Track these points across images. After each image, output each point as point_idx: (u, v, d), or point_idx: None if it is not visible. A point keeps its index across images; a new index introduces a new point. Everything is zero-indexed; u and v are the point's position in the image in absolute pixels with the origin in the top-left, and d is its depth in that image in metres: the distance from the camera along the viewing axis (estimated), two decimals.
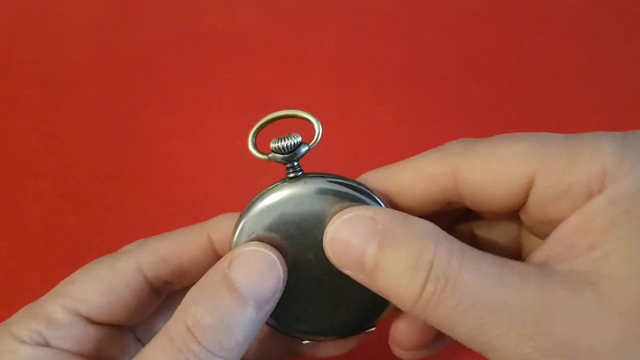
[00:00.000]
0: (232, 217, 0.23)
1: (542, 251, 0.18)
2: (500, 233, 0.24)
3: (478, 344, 0.17)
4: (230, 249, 0.21)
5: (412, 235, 0.18)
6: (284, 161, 0.21)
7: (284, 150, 0.21)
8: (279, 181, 0.22)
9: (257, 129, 0.21)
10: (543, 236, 0.20)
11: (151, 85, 0.49)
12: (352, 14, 0.53)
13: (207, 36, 0.52)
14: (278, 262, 0.20)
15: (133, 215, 0.41)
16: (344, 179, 0.21)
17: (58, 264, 0.39)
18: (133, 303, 0.23)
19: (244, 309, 0.19)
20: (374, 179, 0.22)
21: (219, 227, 0.23)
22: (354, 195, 0.21)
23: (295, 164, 0.21)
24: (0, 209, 0.42)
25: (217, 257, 0.23)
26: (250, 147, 0.21)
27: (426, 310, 0.17)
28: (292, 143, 0.21)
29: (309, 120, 0.21)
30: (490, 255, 0.18)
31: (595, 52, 0.50)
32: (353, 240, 0.19)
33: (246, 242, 0.21)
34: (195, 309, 0.19)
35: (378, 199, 0.21)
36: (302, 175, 0.21)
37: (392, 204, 0.22)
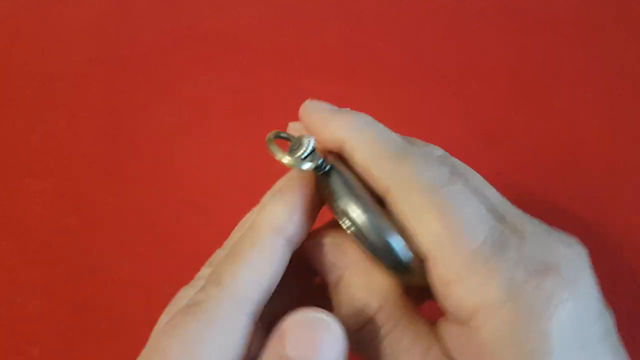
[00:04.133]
0: (285, 202, 0.21)
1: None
2: None
3: None
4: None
5: None
6: (309, 167, 0.21)
7: (305, 160, 0.20)
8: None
9: (273, 136, 0.21)
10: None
11: (151, 85, 0.49)
12: (352, 14, 0.53)
13: (207, 36, 0.52)
14: (340, 331, 0.17)
15: (133, 215, 0.41)
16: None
17: (58, 264, 0.39)
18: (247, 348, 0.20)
19: None
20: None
21: (280, 218, 0.21)
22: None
23: (320, 161, 0.21)
24: (0, 209, 0.42)
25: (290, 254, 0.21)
26: (279, 157, 0.21)
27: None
28: (308, 151, 0.20)
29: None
30: None
31: (595, 52, 0.50)
32: None
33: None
34: None
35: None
36: (331, 167, 0.21)
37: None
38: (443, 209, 0.18)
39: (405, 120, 0.46)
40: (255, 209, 0.24)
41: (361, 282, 0.20)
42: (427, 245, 0.18)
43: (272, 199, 0.21)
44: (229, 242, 0.23)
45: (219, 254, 0.23)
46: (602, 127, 0.45)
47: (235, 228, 0.24)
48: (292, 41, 0.51)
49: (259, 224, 0.21)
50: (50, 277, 0.38)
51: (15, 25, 0.54)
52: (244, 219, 0.24)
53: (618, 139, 0.45)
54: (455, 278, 0.17)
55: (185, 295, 0.21)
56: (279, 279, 0.20)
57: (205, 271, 0.23)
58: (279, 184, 0.23)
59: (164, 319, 0.21)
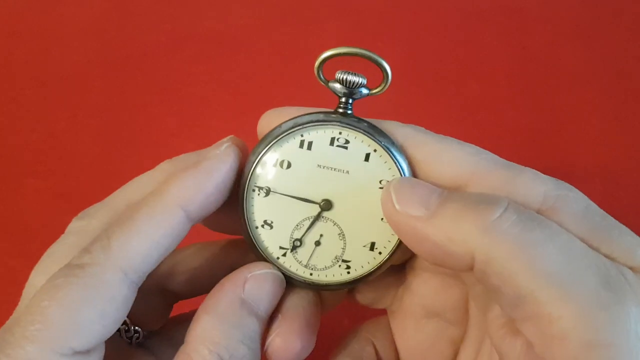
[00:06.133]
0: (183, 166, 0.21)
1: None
2: None
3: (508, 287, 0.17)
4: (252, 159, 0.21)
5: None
6: (341, 94, 0.22)
7: (348, 84, 0.21)
8: (326, 111, 0.22)
9: (329, 56, 0.21)
10: None
11: (151, 85, 0.49)
12: (352, 14, 0.53)
13: (207, 36, 0.52)
14: (284, 280, 0.22)
15: None
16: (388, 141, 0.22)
17: None
18: (126, 313, 0.20)
19: (261, 329, 0.21)
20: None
21: (188, 196, 0.20)
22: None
23: (350, 101, 0.22)
24: (0, 209, 0.42)
25: (188, 227, 0.21)
26: (317, 71, 0.22)
27: (490, 237, 0.17)
28: (357, 81, 0.21)
29: (381, 67, 0.22)
30: None
31: (595, 52, 0.50)
32: (421, 189, 0.20)
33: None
34: (227, 341, 0.19)
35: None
36: (351, 114, 0.22)
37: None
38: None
39: (405, 120, 0.45)
40: (156, 172, 0.23)
41: None
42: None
43: (186, 171, 0.21)
44: (114, 200, 0.22)
45: (97, 209, 0.22)
46: (602, 127, 0.45)
47: (124, 187, 0.23)
48: (292, 41, 0.51)
49: (164, 195, 0.20)
50: None
51: (15, 25, 0.54)
52: (138, 179, 0.24)
53: (618, 139, 0.44)
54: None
55: (59, 251, 0.21)
56: (170, 251, 0.20)
57: (77, 225, 0.22)
58: (196, 157, 0.22)
59: (39, 271, 0.21)
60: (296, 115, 0.22)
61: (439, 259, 0.19)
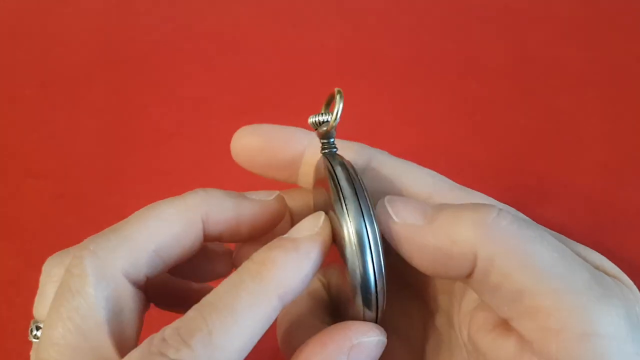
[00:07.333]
0: (210, 194, 0.22)
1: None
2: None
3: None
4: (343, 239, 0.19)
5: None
6: (319, 136, 0.21)
7: (314, 126, 0.21)
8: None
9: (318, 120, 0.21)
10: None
11: (151, 85, 0.49)
12: (352, 14, 0.53)
13: (207, 36, 0.52)
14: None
15: None
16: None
17: None
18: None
19: None
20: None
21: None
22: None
23: (331, 140, 0.21)
24: (0, 209, 0.42)
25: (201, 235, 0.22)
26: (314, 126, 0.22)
27: (491, 234, 0.18)
28: (318, 120, 0.21)
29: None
30: None
31: (595, 52, 0.50)
32: (413, 202, 0.20)
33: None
34: None
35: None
36: (335, 152, 0.21)
37: None
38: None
39: (406, 120, 0.46)
40: (183, 204, 0.23)
41: None
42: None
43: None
44: (132, 231, 0.22)
45: (110, 240, 0.22)
46: (602, 127, 0.45)
47: (143, 215, 0.22)
48: (292, 41, 0.51)
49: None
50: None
51: (16, 25, 0.54)
52: (161, 208, 0.23)
53: (618, 139, 0.44)
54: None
55: (73, 291, 0.20)
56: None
57: (87, 256, 0.21)
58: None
59: (56, 318, 0.19)
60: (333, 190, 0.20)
61: (441, 265, 0.19)
